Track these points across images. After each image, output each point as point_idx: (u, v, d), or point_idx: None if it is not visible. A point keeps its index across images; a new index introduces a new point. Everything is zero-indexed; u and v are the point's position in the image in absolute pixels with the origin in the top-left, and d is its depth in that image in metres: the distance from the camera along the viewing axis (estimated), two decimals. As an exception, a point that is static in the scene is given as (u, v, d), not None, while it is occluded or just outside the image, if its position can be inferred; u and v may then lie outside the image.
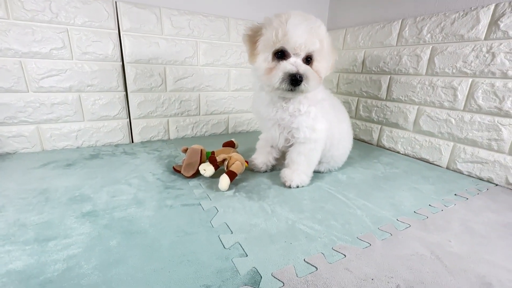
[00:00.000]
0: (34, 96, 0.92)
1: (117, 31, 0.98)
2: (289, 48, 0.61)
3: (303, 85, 0.61)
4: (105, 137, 1.07)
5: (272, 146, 0.84)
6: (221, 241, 0.52)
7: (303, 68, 0.61)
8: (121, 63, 1.02)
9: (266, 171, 0.86)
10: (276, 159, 0.86)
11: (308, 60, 0.64)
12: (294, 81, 0.60)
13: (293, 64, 0.61)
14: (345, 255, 0.49)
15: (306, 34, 0.60)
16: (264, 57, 0.63)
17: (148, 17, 1.02)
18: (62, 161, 0.89)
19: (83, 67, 0.96)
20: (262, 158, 0.85)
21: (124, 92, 1.06)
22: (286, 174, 0.76)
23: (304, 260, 0.47)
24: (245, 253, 0.48)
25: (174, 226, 0.56)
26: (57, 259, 0.45)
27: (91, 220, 0.57)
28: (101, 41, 0.96)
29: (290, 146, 0.77)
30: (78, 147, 1.03)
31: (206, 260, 0.46)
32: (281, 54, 0.62)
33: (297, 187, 0.75)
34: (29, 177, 0.76)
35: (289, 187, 0.75)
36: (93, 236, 0.51)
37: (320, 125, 0.73)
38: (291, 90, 0.62)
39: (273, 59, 0.63)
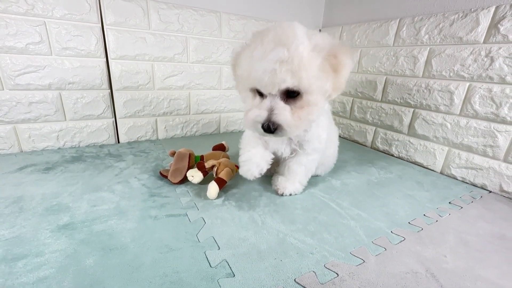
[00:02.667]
0: (10, 94, 0.86)
1: (100, 25, 0.92)
2: (259, 88, 0.52)
3: (279, 133, 0.52)
4: (89, 137, 1.02)
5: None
6: (207, 259, 0.48)
7: (276, 113, 0.50)
8: (105, 59, 0.96)
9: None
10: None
11: (294, 93, 0.51)
12: (267, 130, 0.51)
13: (267, 107, 0.51)
14: (337, 274, 0.47)
15: (271, 70, 0.47)
16: (245, 95, 0.56)
17: (134, 11, 0.96)
18: (41, 164, 0.84)
19: (63, 63, 0.90)
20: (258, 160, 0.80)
21: (109, 90, 1.00)
22: (280, 182, 0.73)
23: (294, 280, 0.45)
24: (232, 272, 0.45)
25: (158, 240, 0.52)
26: (26, 282, 0.41)
27: (68, 234, 0.53)
28: (83, 35, 0.90)
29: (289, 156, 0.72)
30: (59, 148, 0.98)
31: (190, 281, 0.43)
32: (259, 91, 0.54)
33: (290, 195, 0.73)
34: (3, 182, 0.71)
35: (282, 195, 0.72)
36: (68, 254, 0.48)
37: (324, 134, 0.69)
38: (269, 134, 0.53)
39: (254, 96, 0.55)
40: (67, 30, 0.87)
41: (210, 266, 0.47)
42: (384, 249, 0.54)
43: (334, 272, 0.47)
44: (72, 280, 0.42)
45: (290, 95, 0.52)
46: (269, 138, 0.59)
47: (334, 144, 0.83)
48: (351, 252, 0.52)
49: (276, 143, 0.67)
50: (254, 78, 0.50)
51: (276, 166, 0.78)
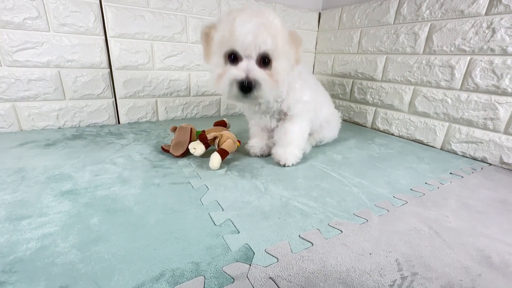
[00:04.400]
0: (8, 71, 0.85)
1: (98, 1, 0.91)
2: (239, 49, 0.54)
3: (255, 92, 0.55)
4: (89, 117, 1.01)
5: (262, 130, 0.81)
6: (211, 218, 0.49)
7: (254, 73, 0.54)
8: (103, 37, 0.95)
9: (262, 155, 0.82)
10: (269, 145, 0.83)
11: (266, 61, 0.56)
12: (243, 88, 0.54)
13: (243, 69, 0.54)
14: (341, 231, 0.47)
15: (254, 32, 0.52)
16: (217, 61, 0.58)
17: (132, -13, 0.95)
18: (41, 141, 0.83)
19: (61, 40, 0.89)
20: (260, 143, 0.81)
21: (109, 69, 0.99)
22: (279, 153, 0.73)
23: (299, 236, 0.45)
24: (237, 229, 0.46)
25: (161, 204, 0.53)
26: (31, 237, 0.41)
27: (71, 198, 0.53)
28: (81, 11, 0.89)
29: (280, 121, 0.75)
30: (60, 128, 0.97)
31: (195, 237, 0.43)
32: (233, 57, 0.56)
33: (292, 165, 0.73)
34: (4, 156, 0.71)
35: (284, 166, 0.72)
36: (72, 214, 0.48)
37: (306, 97, 0.73)
38: (244, 96, 0.56)
39: (225, 63, 0.57)
40: (65, 6, 0.86)
41: (215, 225, 0.47)
42: (387, 211, 0.54)
43: (338, 229, 0.47)
44: (77, 236, 0.42)
45: (263, 62, 0.56)
46: (242, 105, 0.72)
47: (326, 108, 0.89)
48: (354, 213, 0.53)
49: (262, 119, 0.75)
50: (236, 40, 0.53)
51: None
